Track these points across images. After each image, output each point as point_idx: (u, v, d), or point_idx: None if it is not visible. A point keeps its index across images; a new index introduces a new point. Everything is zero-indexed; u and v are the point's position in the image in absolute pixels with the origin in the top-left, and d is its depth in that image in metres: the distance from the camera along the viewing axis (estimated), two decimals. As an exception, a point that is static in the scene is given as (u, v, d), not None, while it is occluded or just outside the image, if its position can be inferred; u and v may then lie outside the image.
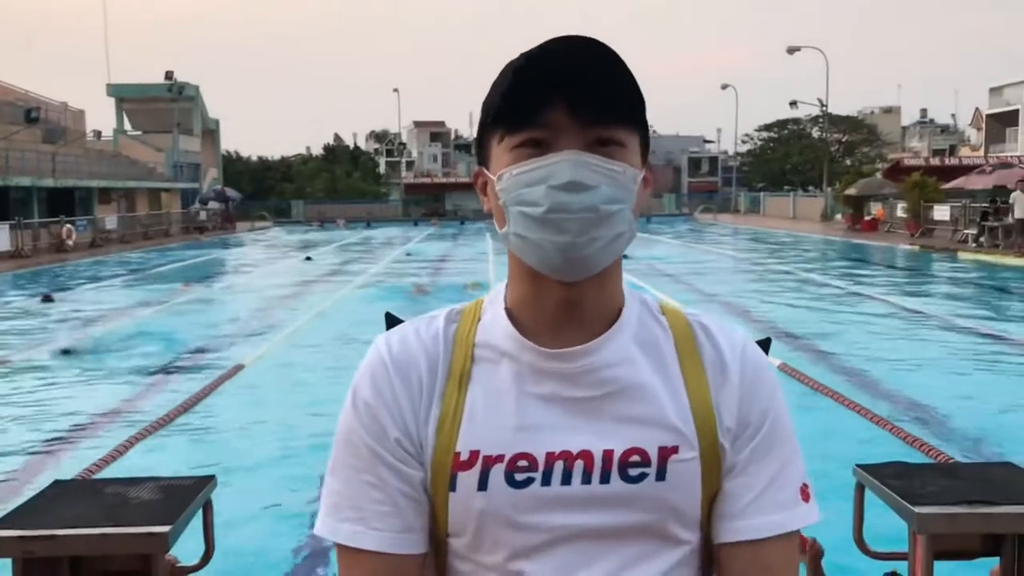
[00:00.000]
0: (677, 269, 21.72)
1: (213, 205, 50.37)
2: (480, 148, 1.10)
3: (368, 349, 1.13)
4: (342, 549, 1.07)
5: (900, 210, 33.40)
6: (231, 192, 52.34)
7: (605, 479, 1.02)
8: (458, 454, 1.03)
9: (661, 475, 1.03)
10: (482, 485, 1.02)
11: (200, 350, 11.69)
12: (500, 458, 1.02)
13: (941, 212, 30.22)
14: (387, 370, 1.08)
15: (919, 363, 10.26)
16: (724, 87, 63.06)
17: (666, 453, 1.03)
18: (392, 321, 1.73)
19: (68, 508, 2.95)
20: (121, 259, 30.31)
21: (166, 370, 10.33)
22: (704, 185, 76.29)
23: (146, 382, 9.72)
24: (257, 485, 6.23)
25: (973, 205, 28.05)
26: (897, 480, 2.98)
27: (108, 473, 5.97)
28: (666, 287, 17.28)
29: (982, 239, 25.50)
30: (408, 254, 26.61)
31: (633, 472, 1.02)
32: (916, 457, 6.05)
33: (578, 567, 1.02)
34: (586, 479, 1.02)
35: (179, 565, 3.35)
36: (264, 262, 28.21)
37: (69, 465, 6.60)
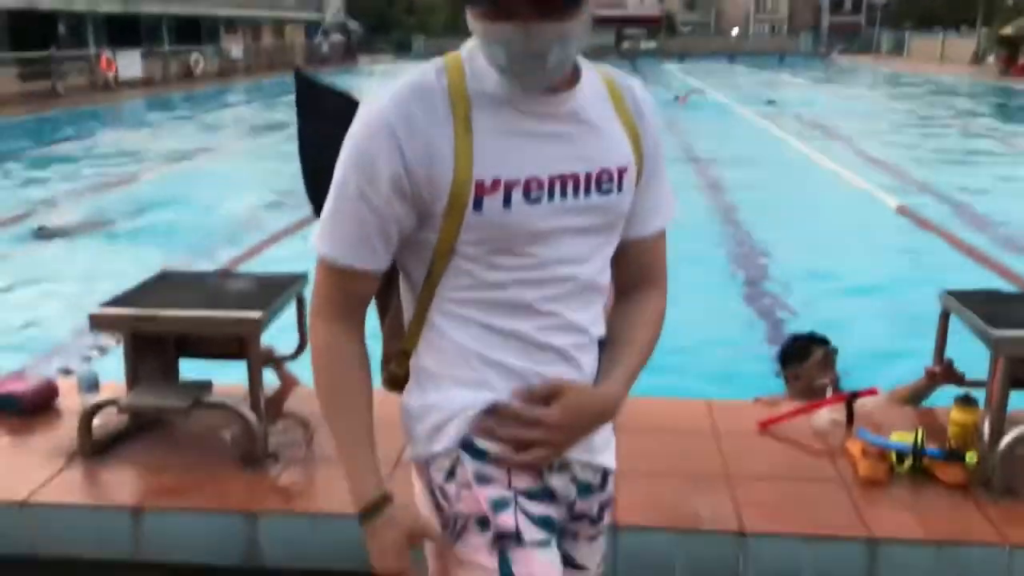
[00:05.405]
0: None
1: (335, 37, 50.43)
2: None
3: (364, 109, 1.34)
4: (323, 261, 1.38)
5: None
6: (353, 24, 52.18)
7: (587, 193, 1.39)
8: (481, 182, 1.31)
9: (620, 188, 1.43)
10: (506, 204, 1.32)
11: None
12: (517, 182, 1.33)
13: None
14: (392, 120, 1.30)
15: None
16: (876, -86, 57.86)
17: (622, 172, 1.43)
18: (301, 79, 1.84)
19: (172, 293, 3.17)
20: (248, 87, 30.98)
21: (292, 188, 10.70)
22: (846, 25, 71.44)
23: (277, 194, 10.18)
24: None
25: None
26: (984, 306, 2.89)
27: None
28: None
29: None
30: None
31: (605, 187, 1.41)
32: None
33: (568, 249, 1.40)
34: (575, 194, 1.38)
35: (277, 355, 3.60)
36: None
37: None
